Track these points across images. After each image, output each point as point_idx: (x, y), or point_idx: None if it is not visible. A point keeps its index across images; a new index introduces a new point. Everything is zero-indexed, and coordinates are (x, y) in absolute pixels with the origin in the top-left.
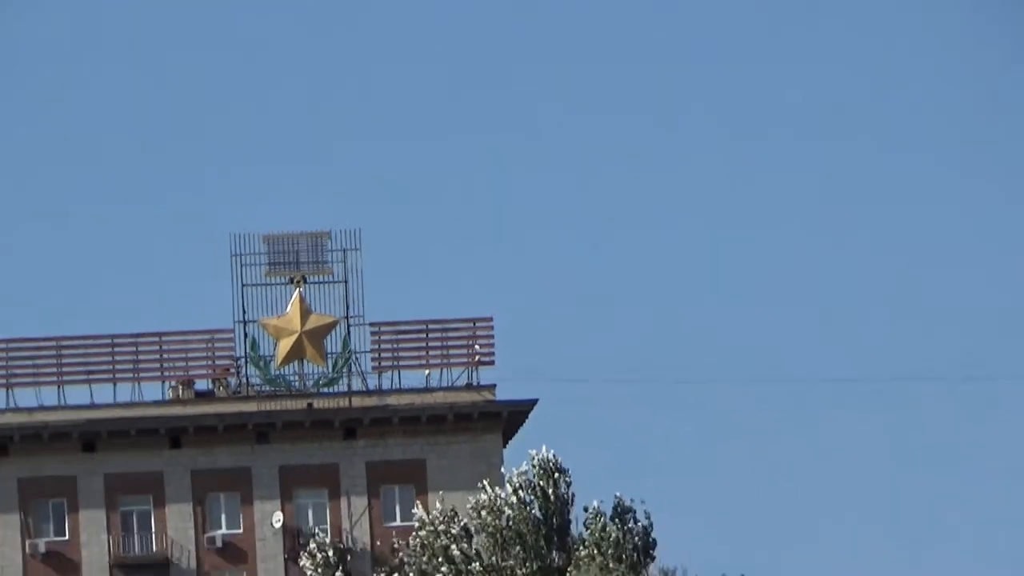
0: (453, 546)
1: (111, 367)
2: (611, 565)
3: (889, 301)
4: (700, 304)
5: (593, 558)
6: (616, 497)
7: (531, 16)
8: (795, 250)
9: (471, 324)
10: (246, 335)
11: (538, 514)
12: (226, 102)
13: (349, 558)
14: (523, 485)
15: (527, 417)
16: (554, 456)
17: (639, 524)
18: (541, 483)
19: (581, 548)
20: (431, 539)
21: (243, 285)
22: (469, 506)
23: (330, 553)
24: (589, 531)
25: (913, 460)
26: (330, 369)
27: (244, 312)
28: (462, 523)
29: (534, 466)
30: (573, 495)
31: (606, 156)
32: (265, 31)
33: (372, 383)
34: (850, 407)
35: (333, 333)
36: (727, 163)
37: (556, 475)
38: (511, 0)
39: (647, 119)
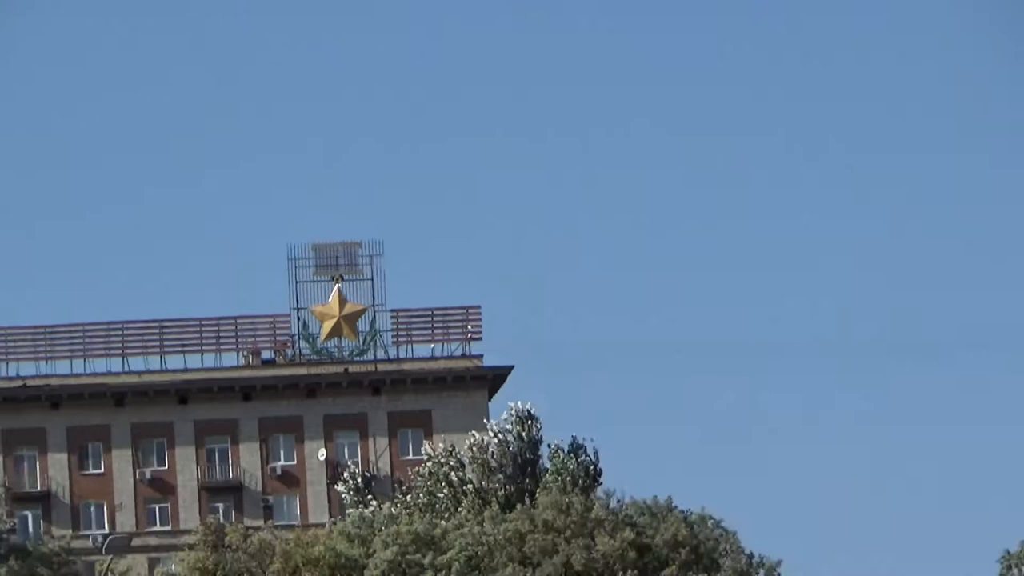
0: (452, 474)
1: (199, 341)
2: (567, 488)
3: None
4: (644, 294)
5: (555, 482)
6: (573, 437)
7: (531, 25)
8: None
9: (465, 311)
10: (299, 318)
11: (514, 450)
12: (278, 130)
13: (374, 483)
14: (503, 430)
15: (505, 379)
16: (527, 408)
17: (589, 457)
18: (517, 428)
19: (546, 475)
20: (436, 468)
21: (296, 282)
22: (466, 445)
23: (360, 480)
24: (552, 463)
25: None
26: (361, 343)
27: (297, 301)
28: (458, 457)
29: (513, 415)
30: (541, 436)
31: (591, 166)
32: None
33: (392, 353)
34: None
35: (363, 317)
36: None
37: (528, 421)
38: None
39: (637, 126)
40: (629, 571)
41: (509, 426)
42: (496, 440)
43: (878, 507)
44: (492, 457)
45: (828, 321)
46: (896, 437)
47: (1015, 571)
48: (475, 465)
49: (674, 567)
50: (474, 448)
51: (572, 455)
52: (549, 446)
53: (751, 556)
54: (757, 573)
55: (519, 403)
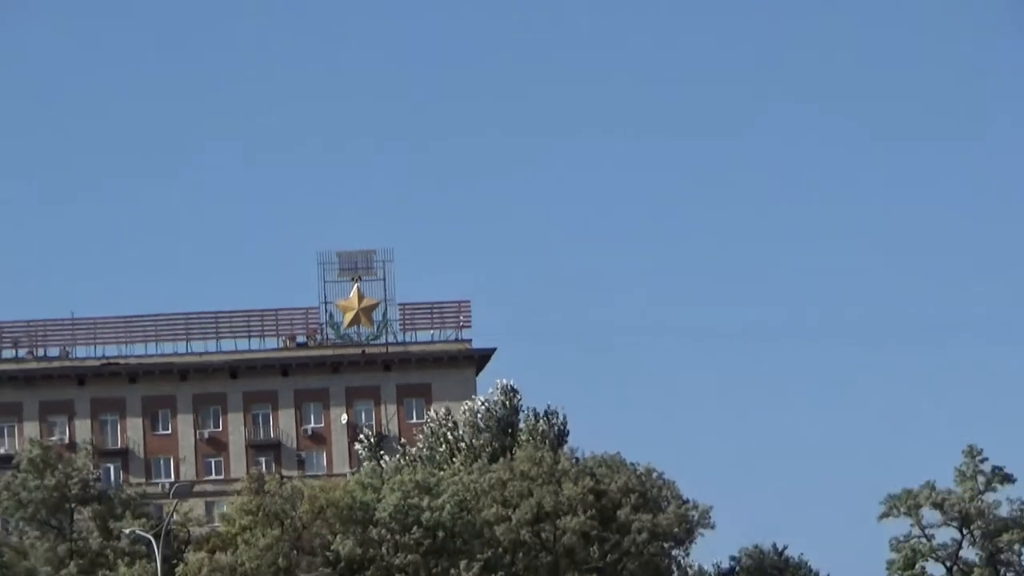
0: (448, 433)
1: (247, 328)
2: (538, 445)
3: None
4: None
5: (529, 441)
6: (548, 405)
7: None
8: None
9: (458, 304)
10: (326, 311)
11: (499, 415)
12: (310, 155)
13: (384, 442)
14: (490, 399)
15: (490, 358)
16: (510, 383)
17: (559, 421)
18: (501, 398)
19: (523, 435)
20: (436, 428)
21: (324, 281)
22: (461, 410)
23: (374, 439)
24: (528, 425)
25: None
26: (375, 330)
27: (325, 297)
28: (453, 420)
29: (498, 388)
30: (521, 404)
31: (570, 176)
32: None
33: (400, 338)
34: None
35: (377, 309)
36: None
37: (510, 393)
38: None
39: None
40: (589, 511)
41: (496, 396)
42: (484, 407)
43: (790, 463)
44: (480, 420)
45: (756, 309)
46: (804, 406)
47: (895, 510)
48: (467, 427)
49: (626, 509)
50: (466, 412)
51: (546, 419)
52: (525, 411)
53: (687, 501)
54: (692, 515)
55: (503, 380)
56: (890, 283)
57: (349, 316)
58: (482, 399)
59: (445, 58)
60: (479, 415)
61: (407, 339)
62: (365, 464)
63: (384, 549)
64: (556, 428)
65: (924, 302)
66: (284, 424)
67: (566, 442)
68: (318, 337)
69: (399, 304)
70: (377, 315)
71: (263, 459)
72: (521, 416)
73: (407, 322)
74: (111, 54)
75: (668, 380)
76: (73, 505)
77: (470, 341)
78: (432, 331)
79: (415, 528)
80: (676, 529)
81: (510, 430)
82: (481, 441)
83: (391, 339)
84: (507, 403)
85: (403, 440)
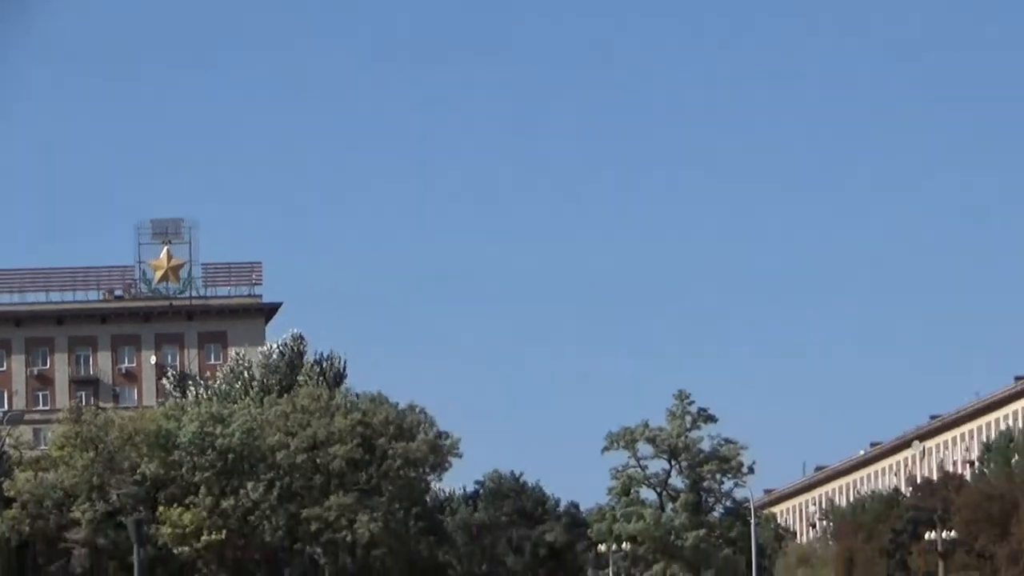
0: (245, 372)
1: (73, 282)
2: (317, 384)
3: None
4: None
5: (308, 380)
6: (330, 350)
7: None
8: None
9: (251, 264)
10: (140, 269)
11: (288, 358)
12: (133, 134)
13: (187, 379)
14: (283, 343)
15: (277, 311)
16: (298, 332)
17: (339, 364)
18: (290, 343)
19: (302, 376)
20: (233, 367)
21: (140, 244)
22: (257, 352)
23: (178, 377)
24: (310, 367)
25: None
26: (181, 286)
27: (140, 257)
28: (248, 361)
29: (289, 335)
30: (305, 349)
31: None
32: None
33: (202, 292)
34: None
35: (183, 268)
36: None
37: (298, 340)
38: None
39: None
40: (356, 440)
41: (288, 342)
42: (279, 350)
43: (534, 405)
44: (271, 362)
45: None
46: (548, 357)
47: (616, 444)
48: (260, 367)
49: (386, 438)
50: (262, 355)
51: (328, 362)
52: (309, 355)
53: (441, 433)
54: (445, 443)
55: (294, 329)
56: (624, 248)
57: (159, 274)
58: (277, 344)
59: (254, 39)
60: (273, 359)
61: (208, 294)
62: (170, 399)
63: (184, 470)
64: (335, 370)
65: (649, 266)
66: (102, 364)
67: (343, 382)
68: (132, 291)
69: (202, 264)
70: (183, 273)
71: (83, 393)
72: (305, 359)
73: (208, 279)
74: None
75: (436, 330)
76: None
77: (260, 296)
78: (229, 287)
79: (210, 451)
80: (431, 456)
81: (295, 371)
82: (272, 381)
83: (194, 293)
84: (295, 348)
85: (207, 375)
